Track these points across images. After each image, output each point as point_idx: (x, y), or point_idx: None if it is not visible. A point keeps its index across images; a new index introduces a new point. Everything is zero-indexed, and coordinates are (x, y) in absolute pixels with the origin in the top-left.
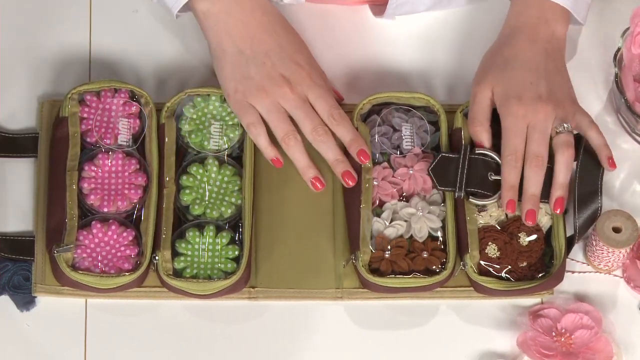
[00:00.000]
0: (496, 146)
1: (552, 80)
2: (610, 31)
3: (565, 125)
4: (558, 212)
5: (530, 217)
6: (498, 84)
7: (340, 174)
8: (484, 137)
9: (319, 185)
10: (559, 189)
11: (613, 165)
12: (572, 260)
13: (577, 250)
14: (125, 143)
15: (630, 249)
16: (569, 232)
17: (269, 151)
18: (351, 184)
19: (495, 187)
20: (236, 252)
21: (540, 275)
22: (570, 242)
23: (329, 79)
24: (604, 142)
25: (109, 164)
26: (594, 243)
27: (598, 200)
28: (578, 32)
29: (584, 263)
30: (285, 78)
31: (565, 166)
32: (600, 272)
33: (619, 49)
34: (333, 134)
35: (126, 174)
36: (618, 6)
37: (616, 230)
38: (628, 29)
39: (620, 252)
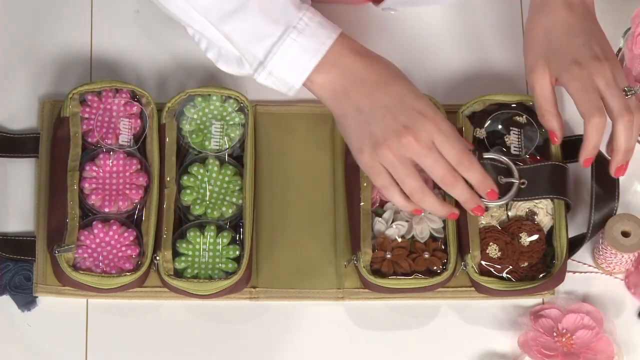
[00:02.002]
0: (493, 144)
1: (600, 41)
2: (611, 31)
3: (632, 89)
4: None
5: (622, 171)
6: (550, 60)
7: (471, 210)
8: (554, 124)
9: (478, 213)
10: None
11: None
12: (574, 261)
13: (585, 253)
14: (126, 143)
15: (638, 254)
16: (578, 231)
17: (408, 207)
18: (480, 214)
19: (505, 190)
20: (237, 252)
21: (541, 275)
22: (581, 240)
23: None
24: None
25: (110, 164)
26: (601, 245)
27: (615, 198)
28: None
29: (585, 264)
30: (407, 128)
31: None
32: (602, 273)
33: (619, 50)
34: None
35: (127, 174)
36: (619, 6)
37: (625, 234)
38: (629, 29)
39: (627, 257)
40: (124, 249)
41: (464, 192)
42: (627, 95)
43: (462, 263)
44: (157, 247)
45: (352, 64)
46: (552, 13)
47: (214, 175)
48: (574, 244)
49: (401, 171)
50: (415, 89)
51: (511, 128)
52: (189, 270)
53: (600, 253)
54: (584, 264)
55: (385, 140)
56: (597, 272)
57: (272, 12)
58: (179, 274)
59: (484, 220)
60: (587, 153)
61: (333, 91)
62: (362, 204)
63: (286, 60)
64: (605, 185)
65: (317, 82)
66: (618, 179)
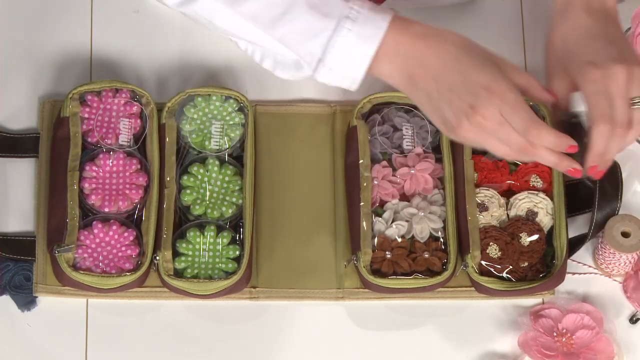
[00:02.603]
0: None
1: (620, 43)
2: None
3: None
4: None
5: (594, 172)
6: (568, 64)
7: (567, 171)
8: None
9: (576, 175)
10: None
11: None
12: (575, 261)
13: (585, 254)
14: (126, 143)
15: (638, 255)
16: (578, 231)
17: (573, 165)
18: (578, 176)
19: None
20: (237, 252)
21: (541, 275)
22: (582, 240)
23: None
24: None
25: (110, 164)
26: (600, 245)
27: (618, 198)
28: None
29: (585, 265)
30: (474, 107)
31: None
32: (602, 275)
33: None
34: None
35: (127, 174)
36: (619, 6)
37: (625, 234)
38: (629, 29)
39: (627, 258)
40: (123, 249)
41: (548, 157)
42: (634, 106)
43: (462, 263)
44: (157, 247)
45: (412, 49)
46: (572, 18)
47: (214, 175)
48: (575, 244)
49: (492, 141)
50: (479, 60)
51: None
52: (189, 270)
53: (600, 253)
54: (584, 264)
55: (459, 124)
56: (596, 274)
57: (322, 7)
58: (179, 274)
59: (484, 220)
60: (590, 160)
61: (401, 80)
62: (362, 204)
63: (345, 52)
64: (609, 184)
65: (383, 73)
66: (621, 180)
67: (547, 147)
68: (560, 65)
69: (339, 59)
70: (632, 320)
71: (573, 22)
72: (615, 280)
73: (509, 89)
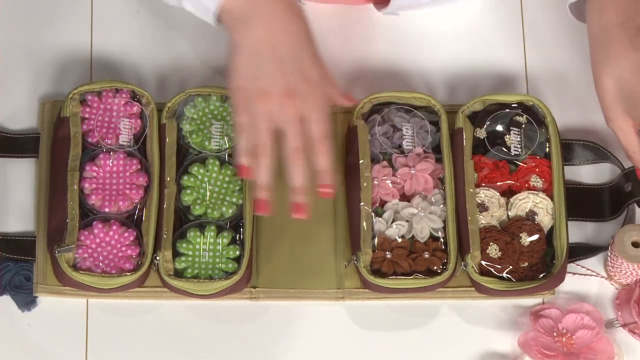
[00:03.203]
0: (493, 144)
1: None
2: None
3: None
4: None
5: None
6: (626, 106)
7: (294, 205)
8: None
9: (261, 210)
10: None
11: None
12: (574, 264)
13: (596, 263)
14: (126, 143)
15: None
16: (578, 231)
17: (242, 157)
18: (301, 216)
19: None
20: (237, 252)
21: (541, 275)
22: (595, 249)
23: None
24: None
25: (110, 164)
26: (610, 254)
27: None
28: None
29: (584, 267)
30: (289, 90)
31: None
32: (601, 277)
33: None
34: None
35: (127, 174)
36: None
37: (636, 245)
38: None
39: (634, 268)
40: (124, 249)
41: (301, 175)
42: None
43: (462, 263)
44: (157, 247)
45: (270, 5)
46: (617, 56)
47: (214, 175)
48: (588, 250)
49: (262, 125)
50: (317, 56)
51: (511, 128)
52: (189, 270)
53: (609, 263)
54: (583, 267)
55: (266, 92)
56: (596, 276)
57: None
58: (179, 274)
59: (484, 220)
60: None
61: (242, 21)
62: (362, 204)
63: None
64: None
65: (227, 7)
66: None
67: (305, 173)
68: (619, 107)
69: None
70: (608, 324)
71: (619, 61)
72: (612, 285)
73: (325, 99)
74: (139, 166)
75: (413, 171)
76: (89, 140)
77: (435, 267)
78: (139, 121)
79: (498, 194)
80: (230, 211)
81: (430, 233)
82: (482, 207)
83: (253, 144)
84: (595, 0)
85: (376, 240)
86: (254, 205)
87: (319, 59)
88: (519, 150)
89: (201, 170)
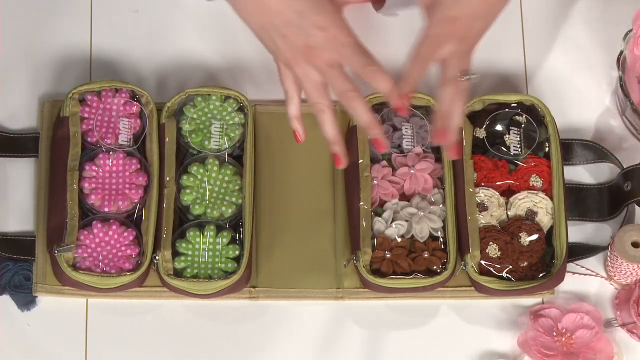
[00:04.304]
0: (493, 144)
1: None
2: (612, 32)
3: None
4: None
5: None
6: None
7: (372, 140)
8: None
9: (339, 163)
10: None
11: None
12: (577, 265)
13: (595, 263)
14: (125, 143)
15: None
16: (578, 231)
17: (293, 123)
18: (382, 150)
19: None
20: (237, 252)
21: (541, 275)
22: (594, 249)
23: None
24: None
25: (110, 164)
26: (609, 255)
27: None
28: (581, 33)
29: (583, 267)
30: (309, 46)
31: None
32: (600, 277)
33: (621, 52)
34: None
35: (127, 173)
36: (620, 8)
37: (636, 245)
38: (630, 31)
39: (633, 268)
40: (123, 248)
41: (362, 111)
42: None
43: (462, 263)
44: (156, 247)
45: None
46: None
47: (213, 175)
48: (588, 250)
49: (306, 85)
50: (319, 2)
51: (511, 127)
52: (189, 270)
53: (609, 263)
54: (582, 266)
55: (289, 58)
56: (595, 275)
57: None
58: (178, 273)
59: (484, 220)
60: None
61: (235, 4)
62: (361, 203)
63: None
64: None
65: None
66: None
67: (365, 107)
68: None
69: None
70: (606, 324)
71: None
72: (612, 284)
73: (347, 34)
74: (139, 166)
75: (412, 171)
76: (89, 139)
77: (434, 267)
78: (138, 121)
79: (497, 193)
80: (230, 211)
81: (430, 233)
82: (482, 207)
83: (313, 101)
84: None
85: (376, 240)
86: (334, 159)
87: (321, 3)
88: (519, 149)
89: (201, 170)
